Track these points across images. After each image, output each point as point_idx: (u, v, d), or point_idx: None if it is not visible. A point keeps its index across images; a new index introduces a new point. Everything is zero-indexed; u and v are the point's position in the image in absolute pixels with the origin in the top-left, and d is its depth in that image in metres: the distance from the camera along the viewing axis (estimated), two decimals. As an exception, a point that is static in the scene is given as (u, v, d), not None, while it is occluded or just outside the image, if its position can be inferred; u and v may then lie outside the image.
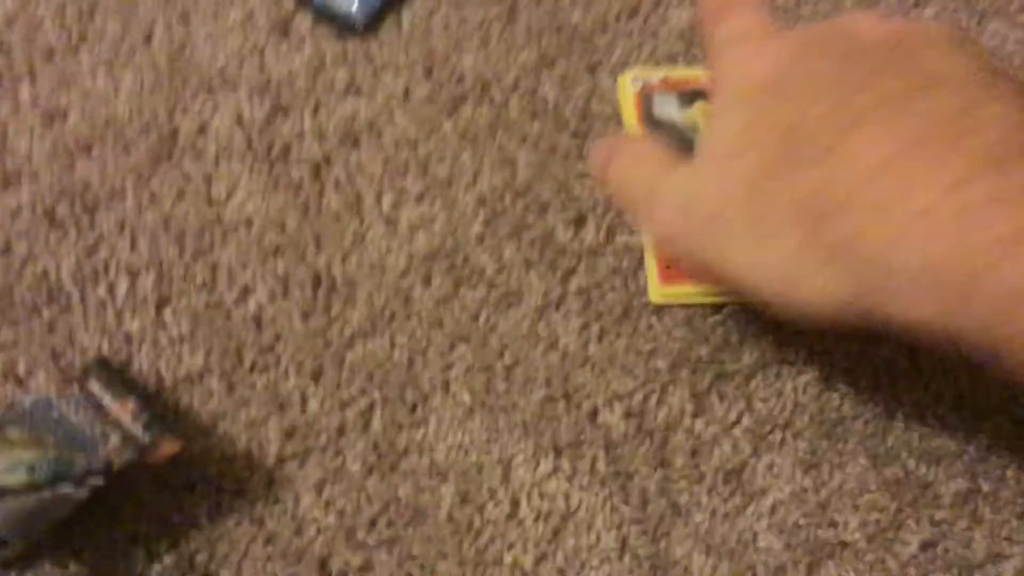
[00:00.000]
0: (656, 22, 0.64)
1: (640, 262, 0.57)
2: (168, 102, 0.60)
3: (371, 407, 0.54)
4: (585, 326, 0.56)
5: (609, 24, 0.64)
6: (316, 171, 0.59)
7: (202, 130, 0.60)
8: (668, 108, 0.61)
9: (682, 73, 0.62)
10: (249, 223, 0.58)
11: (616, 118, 0.61)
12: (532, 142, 0.60)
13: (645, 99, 0.61)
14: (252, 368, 0.54)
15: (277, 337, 0.55)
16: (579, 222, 0.58)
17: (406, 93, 0.61)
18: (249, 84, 0.61)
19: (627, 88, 0.61)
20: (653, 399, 0.54)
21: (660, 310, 0.56)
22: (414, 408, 0.54)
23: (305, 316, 0.56)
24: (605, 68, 0.62)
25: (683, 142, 0.59)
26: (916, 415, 0.55)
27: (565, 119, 0.61)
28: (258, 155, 0.59)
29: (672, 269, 0.56)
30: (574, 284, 0.57)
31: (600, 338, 0.56)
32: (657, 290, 0.56)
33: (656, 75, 0.62)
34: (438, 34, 0.63)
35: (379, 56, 0.62)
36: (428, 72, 0.62)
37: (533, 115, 0.61)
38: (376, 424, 0.54)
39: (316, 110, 0.60)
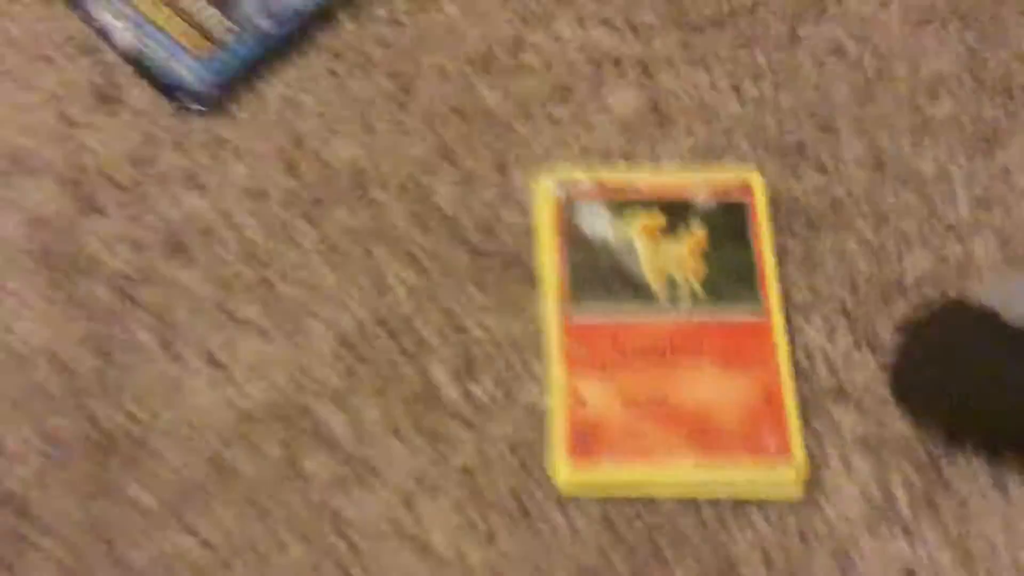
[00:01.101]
0: (593, 108, 0.52)
1: (545, 431, 0.44)
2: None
3: (158, 633, 0.40)
4: (468, 524, 0.42)
5: (532, 109, 0.51)
6: (123, 292, 0.46)
7: (-13, 231, 0.47)
8: (598, 220, 0.48)
9: (620, 177, 0.49)
10: (28, 363, 0.45)
11: (529, 233, 0.48)
12: (419, 261, 0.47)
13: (568, 208, 0.48)
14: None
15: (44, 531, 0.42)
16: (469, 371, 0.45)
17: (259, 190, 0.48)
18: (55, 171, 0.48)
19: (546, 194, 0.48)
20: (551, 632, 0.41)
21: (569, 502, 0.43)
22: (218, 637, 0.40)
23: (87, 499, 0.42)
24: (520, 166, 0.50)
25: (613, 264, 0.46)
26: None
27: (463, 231, 0.48)
28: (55, 267, 0.46)
29: (590, 442, 0.43)
30: (456, 461, 0.43)
31: (490, 540, 0.42)
32: (567, 473, 0.42)
33: (585, 179, 0.49)
34: (309, 114, 0.50)
35: (230, 140, 0.50)
36: (291, 164, 0.49)
37: (423, 225, 0.48)
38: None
39: (139, 210, 0.48)
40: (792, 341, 0.45)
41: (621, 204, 0.48)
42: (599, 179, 0.49)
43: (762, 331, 0.45)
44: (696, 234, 0.47)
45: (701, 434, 0.43)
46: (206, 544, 0.42)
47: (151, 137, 0.49)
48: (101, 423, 0.43)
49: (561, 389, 0.44)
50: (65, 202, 0.48)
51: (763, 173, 0.49)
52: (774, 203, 0.49)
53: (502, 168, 0.50)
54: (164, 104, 0.50)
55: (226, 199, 0.48)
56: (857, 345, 0.46)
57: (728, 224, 0.48)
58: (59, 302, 0.46)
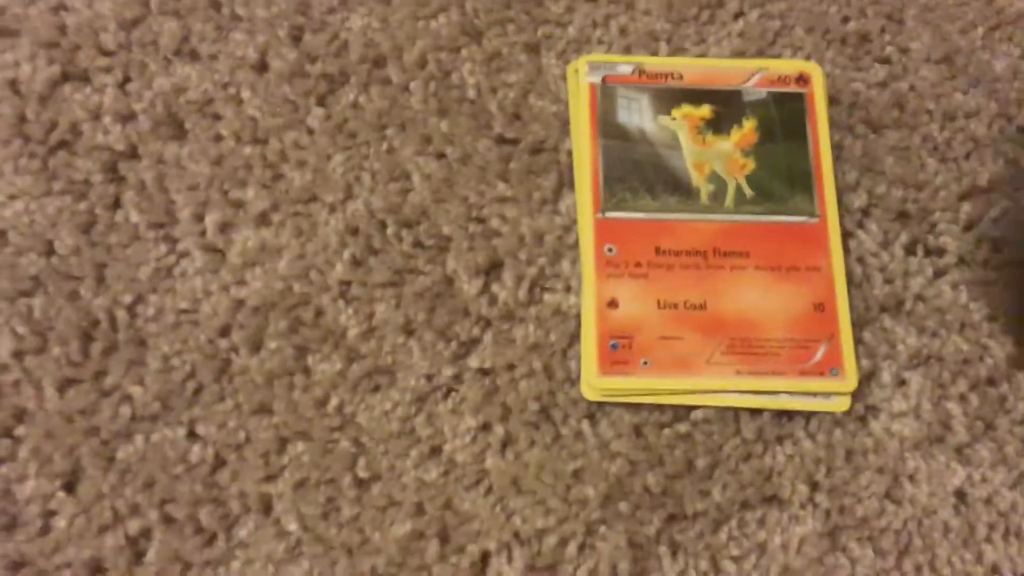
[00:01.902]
0: (632, -13, 0.48)
1: (575, 336, 0.41)
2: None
3: (146, 533, 0.38)
4: (484, 427, 0.40)
5: (565, -15, 0.47)
6: (112, 168, 0.43)
7: (-42, 95, 0.43)
8: (637, 110, 0.44)
9: (663, 63, 0.45)
10: (3, 238, 0.41)
11: (562, 122, 0.44)
12: (438, 146, 0.43)
13: (604, 95, 0.44)
14: (-26, 461, 0.38)
15: (19, 415, 0.39)
16: (492, 270, 0.42)
17: (262, 62, 0.44)
18: (35, 34, 0.44)
19: (581, 79, 0.45)
20: (572, 546, 0.38)
21: (597, 410, 0.40)
22: (212, 539, 0.38)
23: (64, 386, 0.39)
24: (553, 48, 0.46)
25: (652, 158, 0.43)
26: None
27: (487, 117, 0.44)
28: (32, 138, 0.43)
29: (621, 347, 0.40)
30: (474, 362, 0.40)
31: (504, 447, 0.39)
32: (595, 379, 0.39)
33: (625, 64, 0.45)
34: (319, -19, 0.46)
35: (228, 5, 0.45)
36: (297, 33, 0.45)
37: (443, 107, 0.44)
38: (151, 558, 0.37)
39: (126, 77, 0.44)
40: (846, 247, 0.42)
41: (663, 92, 0.45)
42: (640, 64, 0.45)
43: (815, 235, 0.42)
44: (745, 128, 0.44)
45: (743, 343, 0.40)
46: (197, 438, 0.39)
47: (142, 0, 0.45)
48: (86, 308, 0.40)
49: (591, 289, 0.41)
50: (44, 66, 0.44)
51: (821, 64, 0.46)
52: (832, 98, 0.45)
53: (532, 49, 0.46)
54: (157, -38, 0.46)
55: (224, 70, 0.44)
56: (915, 253, 0.43)
57: (782, 118, 0.44)
58: (37, 174, 0.42)
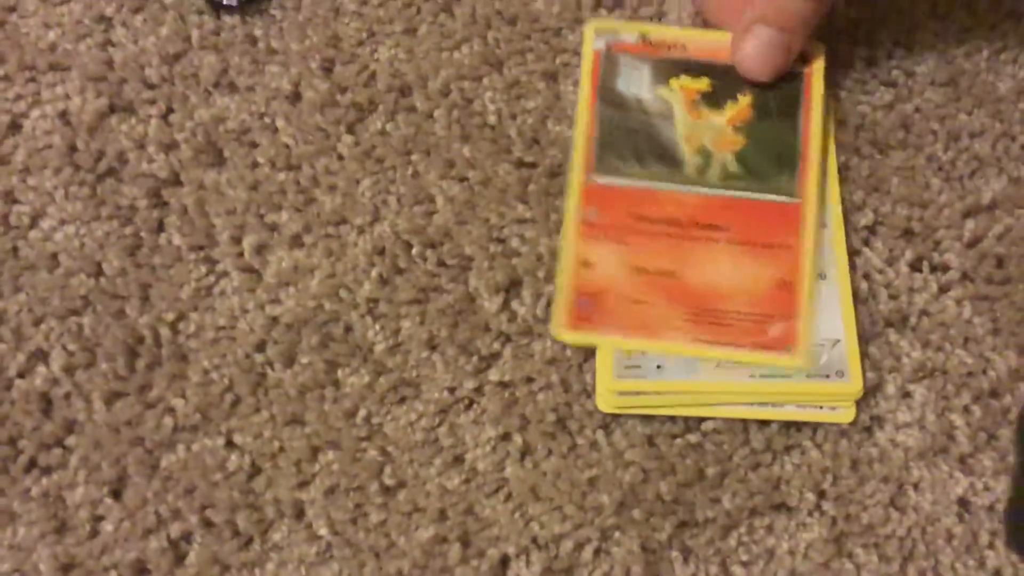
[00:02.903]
0: (647, 13, 0.51)
1: (590, 350, 0.44)
2: (-28, 86, 0.48)
3: (187, 536, 0.41)
4: (504, 437, 0.43)
5: (584, 14, 0.50)
6: (156, 194, 0.46)
7: (14, 126, 0.47)
8: (636, 78, 0.46)
9: (669, 33, 0.47)
10: (54, 260, 0.45)
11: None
12: (460, 170, 0.47)
13: (607, 62, 0.47)
14: (30, 467, 0.42)
15: (69, 426, 0.42)
16: (511, 288, 0.45)
17: (295, 93, 0.48)
18: (84, 69, 0.48)
19: (587, 45, 0.47)
20: (587, 551, 0.41)
21: (611, 421, 0.43)
22: (248, 542, 0.41)
23: (111, 398, 0.43)
24: (571, 76, 0.49)
25: (645, 127, 0.45)
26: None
27: (507, 141, 0.47)
28: (81, 166, 0.47)
29: (590, 305, 0.42)
30: (494, 375, 0.43)
31: (523, 456, 0.42)
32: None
33: (629, 31, 0.47)
34: (349, 15, 0.50)
35: (264, 40, 0.49)
36: (328, 66, 0.49)
37: (465, 133, 0.48)
38: (192, 560, 0.41)
39: (169, 109, 0.48)
40: (852, 264, 0.45)
41: (665, 63, 0.46)
42: (646, 33, 0.47)
43: (792, 216, 0.44)
44: (740, 103, 0.46)
45: (706, 313, 0.42)
46: (235, 447, 0.42)
47: (183, 36, 0.49)
48: (132, 325, 0.44)
49: (570, 249, 0.43)
50: (92, 99, 0.48)
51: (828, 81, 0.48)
52: (839, 120, 0.48)
53: (550, 76, 0.49)
54: (196, 0, 0.49)
55: (260, 101, 0.48)
56: (920, 270, 0.45)
57: (778, 96, 0.46)
58: (86, 201, 0.46)
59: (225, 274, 0.45)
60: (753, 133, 0.45)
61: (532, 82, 0.49)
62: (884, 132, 0.48)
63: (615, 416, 0.43)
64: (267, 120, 0.48)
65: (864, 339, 0.44)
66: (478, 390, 0.44)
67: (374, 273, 0.45)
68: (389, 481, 0.42)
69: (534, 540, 0.41)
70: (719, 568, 0.41)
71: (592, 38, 0.47)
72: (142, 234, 0.46)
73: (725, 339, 0.42)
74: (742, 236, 0.43)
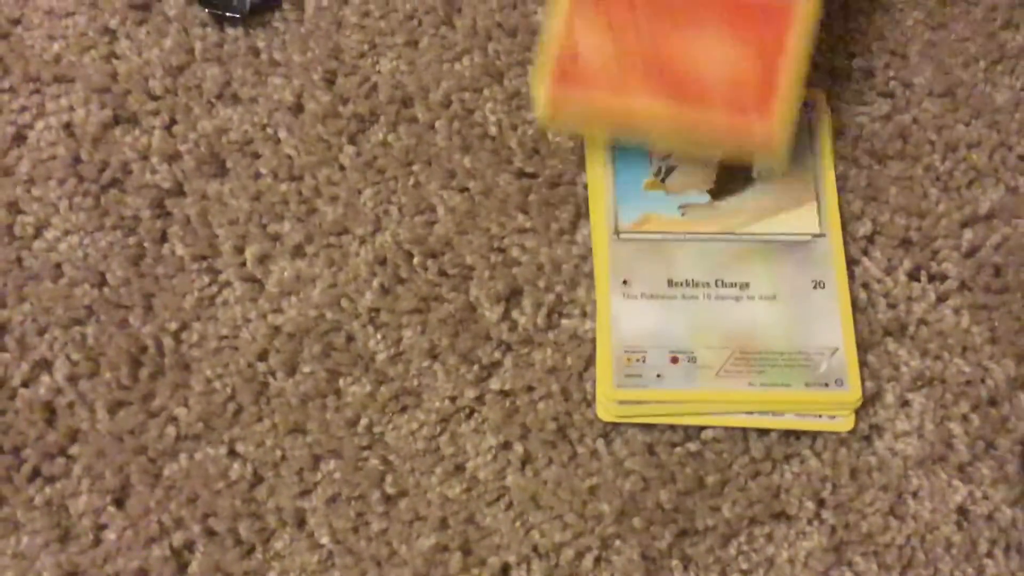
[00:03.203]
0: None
1: (590, 359, 0.44)
2: (-22, 98, 0.48)
3: (190, 545, 0.41)
4: (504, 446, 0.43)
5: (582, 27, 0.51)
6: (159, 204, 0.47)
7: (19, 137, 0.48)
8: None
9: None
10: (58, 270, 0.46)
11: (579, 156, 0.48)
12: (461, 180, 0.47)
13: None
14: (33, 476, 0.42)
15: (73, 435, 0.43)
16: (512, 297, 0.45)
17: (298, 105, 0.49)
18: (88, 81, 0.49)
19: None
20: (588, 559, 0.41)
21: (611, 430, 0.43)
22: (250, 551, 0.42)
23: (115, 407, 0.43)
24: (569, 86, 0.50)
25: None
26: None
27: (508, 152, 0.48)
28: (85, 177, 0.47)
29: (571, 71, 0.43)
30: (495, 384, 0.44)
31: (524, 465, 0.43)
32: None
33: None
34: (351, 27, 0.50)
35: (267, 52, 0.50)
36: (330, 78, 0.49)
37: (466, 144, 0.48)
38: (194, 568, 0.41)
39: (172, 121, 0.48)
40: (851, 274, 0.45)
41: None
42: None
43: (783, 14, 0.44)
44: None
45: (685, 83, 0.43)
46: (237, 456, 0.43)
47: (187, 47, 0.50)
48: (135, 335, 0.45)
49: (562, 19, 0.44)
50: (96, 111, 0.48)
51: (827, 98, 0.49)
52: (837, 131, 0.48)
53: (549, 87, 0.50)
54: (199, 12, 0.50)
55: (263, 112, 0.49)
56: (918, 279, 0.46)
57: None
58: (90, 211, 0.47)
59: (228, 284, 0.46)
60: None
61: (532, 93, 0.50)
62: (882, 143, 0.48)
63: (615, 425, 0.43)
64: (270, 131, 0.48)
65: (863, 348, 0.44)
66: (479, 399, 0.44)
67: (376, 283, 0.46)
68: (390, 490, 0.43)
69: (535, 548, 0.42)
70: (718, 575, 0.42)
71: None
72: (145, 244, 0.46)
73: (700, 102, 0.43)
74: (729, 23, 0.44)
